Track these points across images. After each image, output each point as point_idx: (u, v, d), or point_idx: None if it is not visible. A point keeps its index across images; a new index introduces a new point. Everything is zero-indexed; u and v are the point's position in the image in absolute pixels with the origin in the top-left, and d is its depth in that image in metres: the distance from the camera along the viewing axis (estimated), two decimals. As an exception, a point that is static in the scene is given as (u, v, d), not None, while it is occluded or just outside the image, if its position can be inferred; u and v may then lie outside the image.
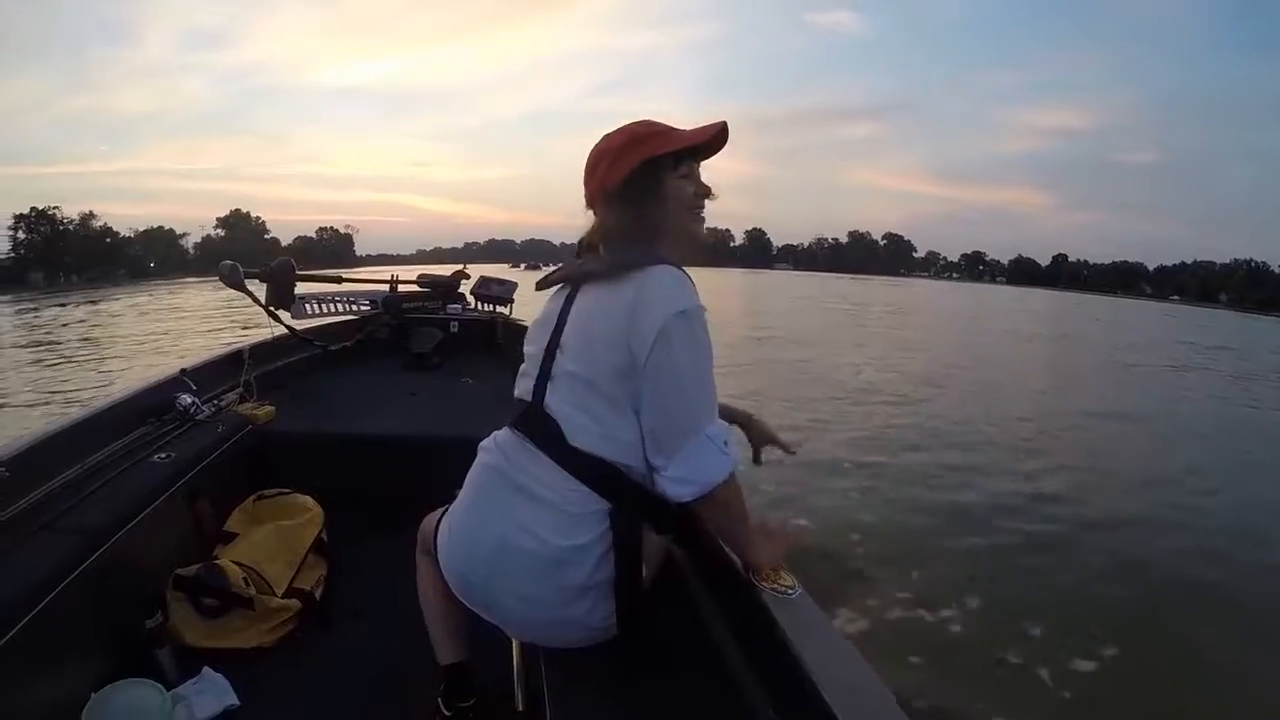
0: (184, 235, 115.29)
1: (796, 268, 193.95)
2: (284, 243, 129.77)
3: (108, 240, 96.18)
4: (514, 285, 4.22)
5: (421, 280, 4.23)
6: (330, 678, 1.64)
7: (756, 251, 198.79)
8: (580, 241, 1.19)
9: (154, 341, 14.75)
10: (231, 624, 1.67)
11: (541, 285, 1.25)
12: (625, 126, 1.14)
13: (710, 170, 1.17)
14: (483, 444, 1.19)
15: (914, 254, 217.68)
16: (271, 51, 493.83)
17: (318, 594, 1.87)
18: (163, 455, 1.84)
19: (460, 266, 4.49)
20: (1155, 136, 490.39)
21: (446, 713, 1.39)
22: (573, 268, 1.17)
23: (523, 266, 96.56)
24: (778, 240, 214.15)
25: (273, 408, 2.39)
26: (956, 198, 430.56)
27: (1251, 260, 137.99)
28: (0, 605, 1.17)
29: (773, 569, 1.11)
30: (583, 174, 1.17)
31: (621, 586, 1.06)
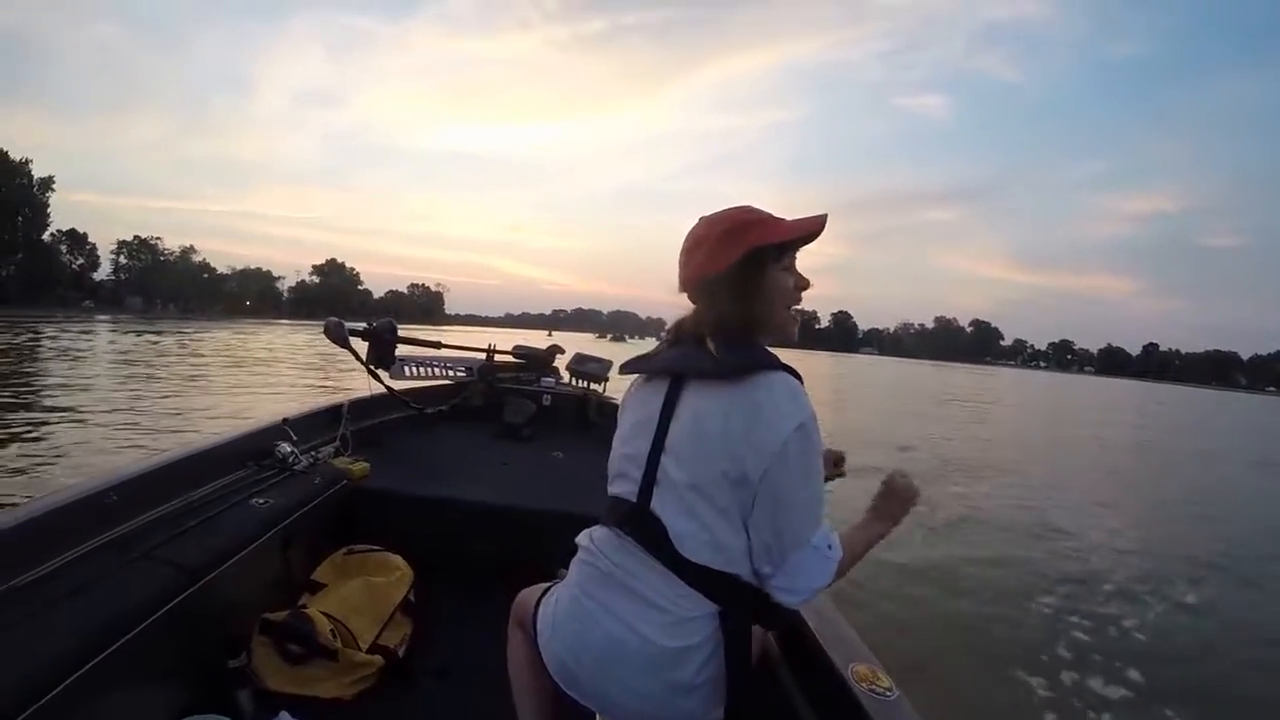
0: (280, 278, 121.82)
1: (881, 352, 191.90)
2: (376, 295, 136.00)
3: (205, 275, 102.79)
4: (609, 364, 4.20)
5: (517, 351, 4.33)
6: None
7: (842, 335, 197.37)
8: (682, 324, 1.14)
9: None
10: (313, 673, 1.70)
11: (628, 369, 1.21)
12: (726, 212, 1.11)
13: (800, 252, 1.14)
14: (580, 540, 1.18)
15: (1001, 341, 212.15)
16: (381, 113, 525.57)
17: (401, 652, 1.88)
18: (260, 500, 1.89)
19: (554, 340, 4.59)
20: (1241, 218, 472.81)
21: None
22: (674, 359, 1.12)
23: (609, 337, 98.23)
24: (863, 324, 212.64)
25: (367, 464, 2.45)
26: (1041, 284, 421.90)
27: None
28: (95, 628, 1.21)
29: (870, 669, 1.09)
30: (679, 254, 1.13)
31: (732, 684, 1.04)
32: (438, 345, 3.66)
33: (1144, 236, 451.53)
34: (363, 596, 1.94)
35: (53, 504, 1.44)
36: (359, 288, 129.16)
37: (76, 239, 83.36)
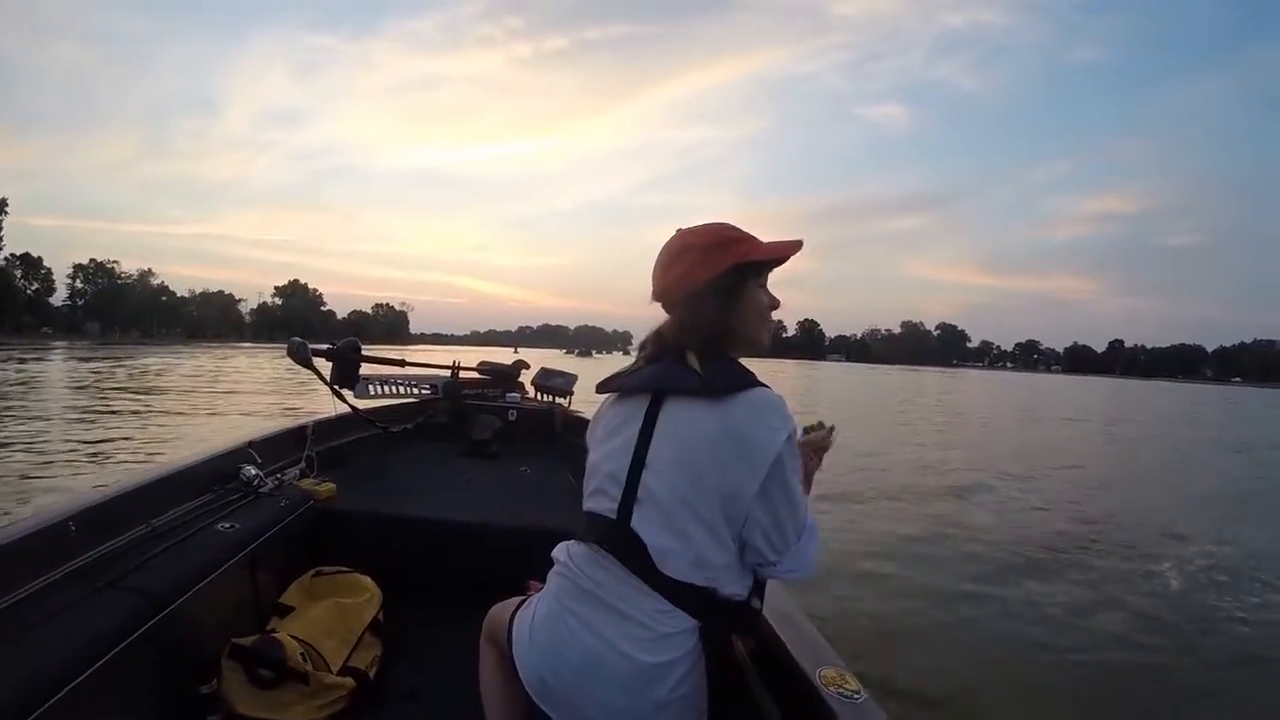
0: (241, 301, 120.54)
1: (849, 358, 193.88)
2: (340, 316, 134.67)
3: (164, 299, 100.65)
4: (574, 378, 4.25)
5: (482, 367, 4.34)
6: None
7: (810, 342, 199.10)
8: (662, 334, 1.15)
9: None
10: (284, 697, 1.67)
11: (607, 388, 1.20)
12: (709, 225, 1.14)
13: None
14: (558, 555, 1.18)
15: (968, 344, 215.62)
16: (345, 133, 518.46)
17: (372, 674, 1.87)
18: (226, 525, 1.88)
19: (519, 356, 4.60)
20: (1200, 218, 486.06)
21: None
22: (654, 375, 1.12)
23: (576, 353, 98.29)
24: (830, 331, 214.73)
25: (334, 485, 2.43)
26: (1006, 287, 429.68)
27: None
28: (62, 659, 1.19)
29: (838, 673, 1.12)
30: (655, 265, 1.16)
31: (712, 696, 1.06)
32: (402, 363, 3.65)
33: (1105, 237, 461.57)
34: (332, 618, 1.92)
35: (11, 535, 1.41)
36: (322, 309, 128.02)
37: (31, 263, 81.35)
